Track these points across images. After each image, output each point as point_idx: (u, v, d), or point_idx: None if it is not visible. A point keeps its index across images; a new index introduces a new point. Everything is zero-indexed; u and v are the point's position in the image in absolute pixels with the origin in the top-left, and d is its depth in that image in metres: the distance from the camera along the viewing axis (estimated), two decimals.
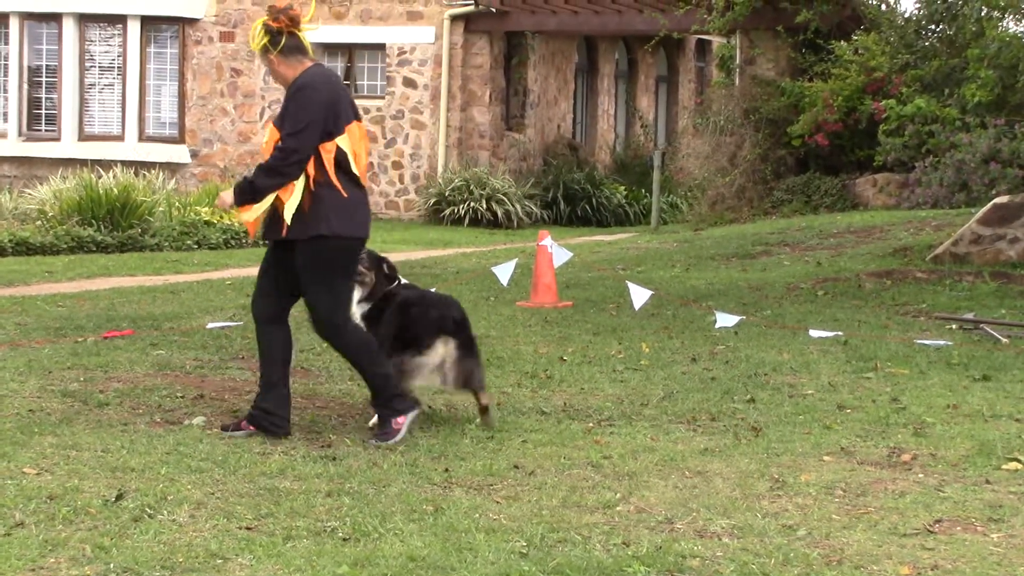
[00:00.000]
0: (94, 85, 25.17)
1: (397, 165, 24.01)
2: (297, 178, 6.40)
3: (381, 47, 23.96)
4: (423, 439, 6.66)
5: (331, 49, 24.29)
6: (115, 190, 17.20)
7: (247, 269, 14.04)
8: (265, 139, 6.60)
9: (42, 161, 24.60)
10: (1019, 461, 6.33)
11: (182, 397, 7.51)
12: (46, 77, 25.22)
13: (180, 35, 24.67)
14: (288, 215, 6.42)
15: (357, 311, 7.29)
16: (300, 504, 5.40)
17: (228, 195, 6.53)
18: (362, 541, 4.96)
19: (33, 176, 23.59)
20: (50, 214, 17.15)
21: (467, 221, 22.42)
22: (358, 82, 24.38)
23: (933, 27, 19.09)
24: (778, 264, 14.68)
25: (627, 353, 9.41)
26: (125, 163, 21.42)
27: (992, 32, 16.13)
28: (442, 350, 7.02)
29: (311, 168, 6.44)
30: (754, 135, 20.98)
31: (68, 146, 24.77)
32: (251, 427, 6.61)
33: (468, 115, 23.86)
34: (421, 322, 7.10)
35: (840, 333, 10.16)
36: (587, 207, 24.56)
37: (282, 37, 6.52)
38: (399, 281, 7.33)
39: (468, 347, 7.09)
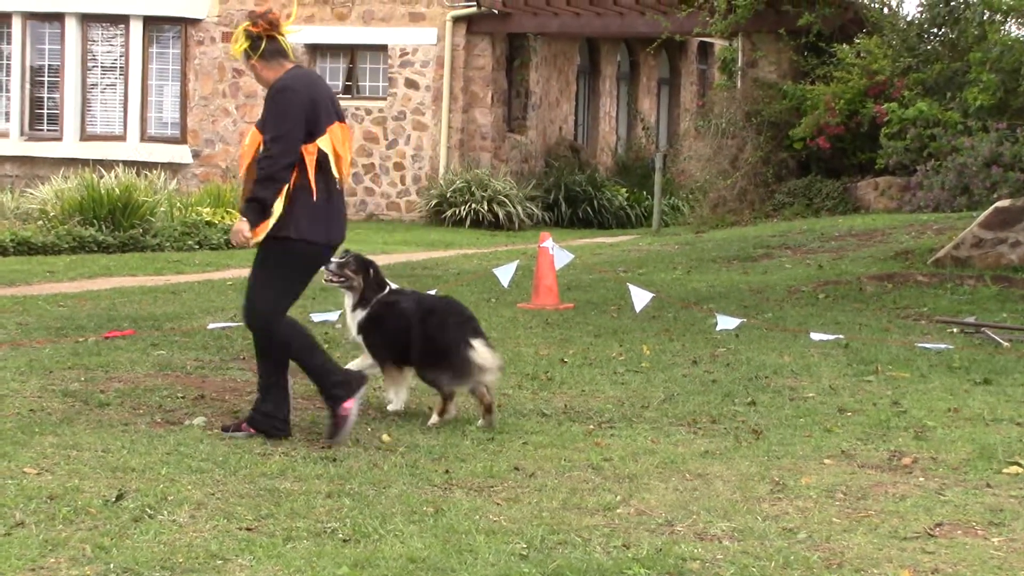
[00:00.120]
0: (96, 85, 25.19)
1: (399, 166, 24.02)
2: (288, 180, 6.41)
3: (383, 48, 23.97)
4: (423, 440, 6.66)
5: (333, 50, 24.31)
6: (117, 190, 17.21)
7: (248, 270, 14.01)
8: (247, 141, 6.62)
9: (44, 161, 24.60)
10: (1020, 465, 6.33)
11: (183, 397, 7.51)
12: (48, 77, 25.24)
13: (182, 35, 24.68)
14: (275, 215, 6.44)
15: (352, 320, 7.27)
16: (300, 505, 5.40)
17: (243, 226, 6.42)
18: (362, 542, 4.96)
19: (35, 176, 23.60)
20: (52, 214, 17.16)
21: (468, 223, 22.42)
22: (360, 83, 24.39)
23: (935, 30, 19.06)
24: (779, 267, 14.68)
25: (628, 355, 9.40)
26: (127, 163, 21.42)
27: (994, 36, 16.11)
28: (481, 350, 7.06)
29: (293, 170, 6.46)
30: (756, 138, 20.97)
31: (70, 146, 24.78)
32: (251, 429, 6.61)
33: (470, 117, 23.86)
34: (451, 328, 7.10)
35: (841, 336, 10.15)
36: (588, 209, 24.57)
37: (262, 41, 6.54)
38: (389, 286, 7.32)
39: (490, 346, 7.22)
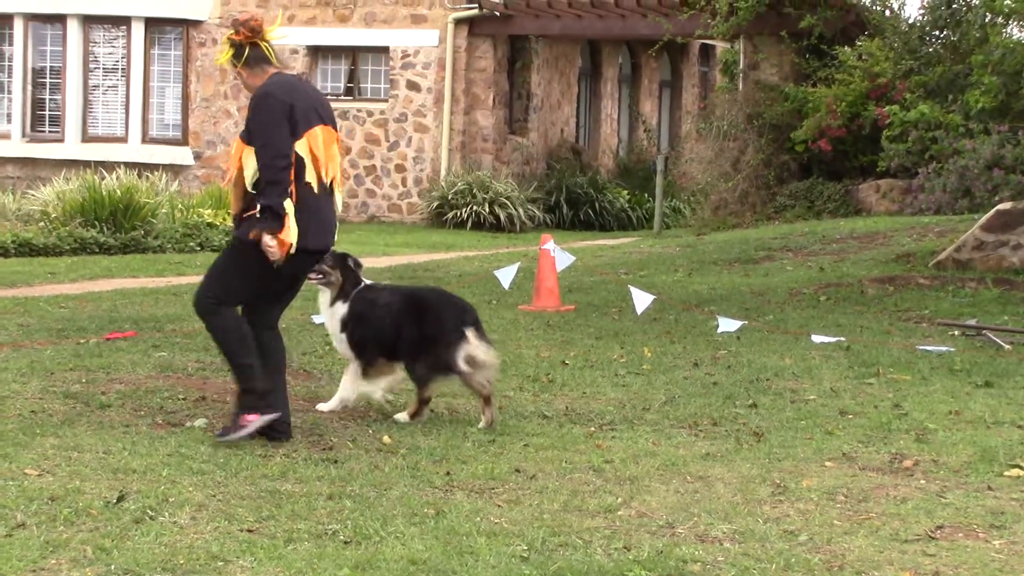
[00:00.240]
0: (98, 86, 25.20)
1: (400, 168, 24.02)
2: (289, 181, 6.39)
3: (385, 50, 23.97)
4: (424, 442, 6.66)
5: (335, 52, 24.32)
6: (118, 192, 17.21)
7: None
8: (232, 151, 6.62)
9: (45, 162, 24.61)
10: (1021, 468, 6.33)
11: (184, 399, 7.51)
12: (50, 78, 25.26)
13: (184, 37, 24.69)
14: (291, 218, 6.43)
15: (332, 317, 7.24)
16: (301, 507, 5.40)
17: (267, 238, 6.37)
18: (363, 544, 4.96)
19: (36, 177, 23.62)
20: (53, 215, 17.16)
21: (470, 224, 22.42)
22: (361, 85, 24.40)
23: (937, 33, 19.06)
24: (781, 269, 14.67)
25: (629, 357, 9.40)
26: (128, 165, 21.43)
27: (996, 38, 16.11)
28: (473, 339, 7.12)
29: None
30: (757, 140, 20.96)
31: (71, 147, 24.80)
32: (248, 417, 6.57)
33: (471, 118, 23.86)
34: (444, 318, 7.12)
35: (842, 339, 10.15)
36: (590, 211, 24.57)
37: (245, 49, 6.55)
38: (364, 282, 7.30)
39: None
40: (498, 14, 23.46)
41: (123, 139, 24.85)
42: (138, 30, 24.70)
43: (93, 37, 25.09)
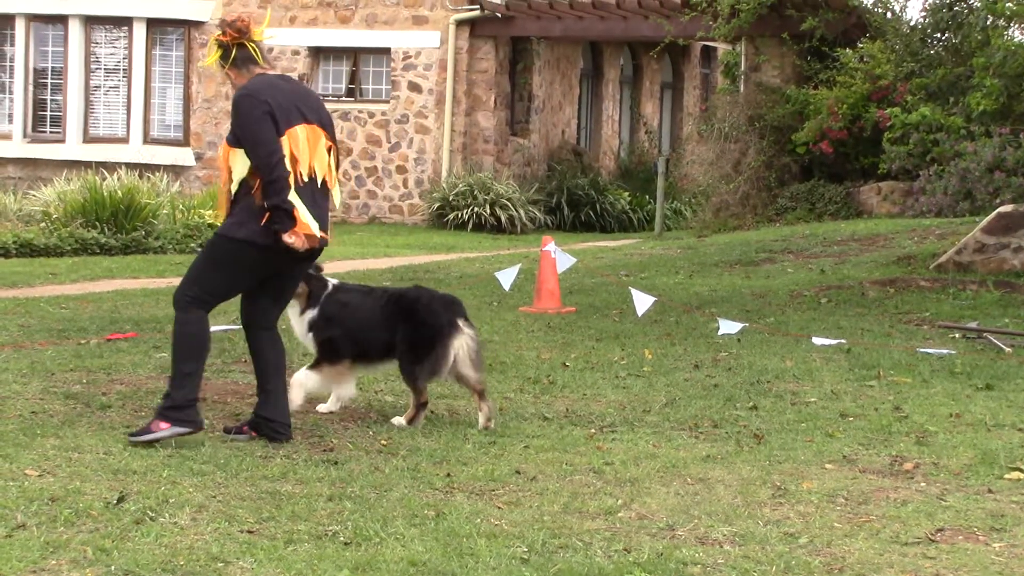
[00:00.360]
0: (99, 87, 25.21)
1: (401, 169, 24.03)
2: (286, 173, 6.38)
3: (386, 51, 23.98)
4: (425, 443, 6.66)
5: (336, 53, 24.32)
6: (119, 192, 17.22)
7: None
8: (220, 154, 6.63)
9: (47, 163, 24.63)
10: (1021, 471, 6.33)
11: None
12: (51, 79, 25.27)
13: (185, 38, 24.70)
14: (300, 210, 6.44)
15: (303, 323, 7.20)
16: (301, 508, 5.40)
17: (288, 237, 6.36)
18: (363, 545, 4.96)
19: (38, 178, 23.63)
20: (54, 216, 17.17)
21: (471, 226, 22.43)
22: (363, 86, 24.41)
23: (938, 35, 19.05)
24: (781, 271, 14.67)
25: (630, 359, 9.40)
26: (129, 165, 21.47)
27: (998, 41, 16.11)
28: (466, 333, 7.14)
29: (247, 171, 6.44)
30: (759, 142, 20.96)
31: (73, 148, 24.81)
32: (253, 432, 6.62)
33: (473, 120, 23.87)
34: (436, 314, 7.13)
35: (843, 341, 10.15)
36: (591, 213, 24.57)
37: (232, 50, 6.55)
38: (331, 282, 7.27)
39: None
40: (500, 15, 23.47)
41: (124, 140, 24.86)
42: (140, 31, 24.71)
43: (95, 38, 25.10)
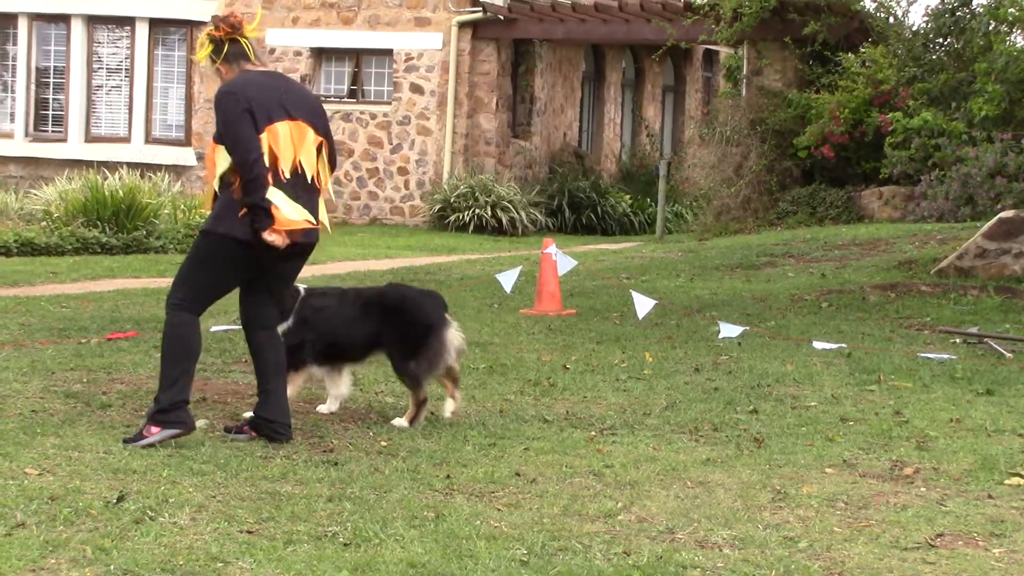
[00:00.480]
0: (101, 87, 25.22)
1: (403, 171, 24.03)
2: (264, 170, 6.36)
3: (388, 53, 23.99)
4: (425, 445, 6.66)
5: (338, 54, 24.33)
6: (121, 192, 17.23)
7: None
8: (207, 152, 6.63)
9: (48, 162, 24.63)
10: (1022, 476, 6.32)
11: None
12: (54, 78, 25.28)
13: (188, 38, 24.70)
14: (280, 205, 6.43)
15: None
16: (301, 508, 5.39)
17: (268, 234, 6.36)
18: (363, 546, 4.96)
19: (39, 177, 23.63)
20: (55, 215, 17.18)
21: (472, 228, 22.44)
22: (365, 87, 24.42)
23: (941, 41, 19.09)
24: (782, 275, 14.67)
25: (630, 362, 9.40)
26: (131, 165, 21.47)
27: (1000, 46, 16.14)
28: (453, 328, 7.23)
29: (228, 167, 6.44)
30: (760, 146, 20.97)
31: (74, 147, 24.82)
32: (253, 432, 6.62)
33: (474, 122, 23.88)
34: (427, 310, 7.15)
35: (844, 345, 10.15)
36: (592, 215, 24.57)
37: (224, 45, 6.55)
38: (301, 288, 7.26)
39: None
40: (502, 18, 23.48)
41: (126, 139, 24.87)
42: (142, 31, 24.72)
43: (97, 37, 25.11)
